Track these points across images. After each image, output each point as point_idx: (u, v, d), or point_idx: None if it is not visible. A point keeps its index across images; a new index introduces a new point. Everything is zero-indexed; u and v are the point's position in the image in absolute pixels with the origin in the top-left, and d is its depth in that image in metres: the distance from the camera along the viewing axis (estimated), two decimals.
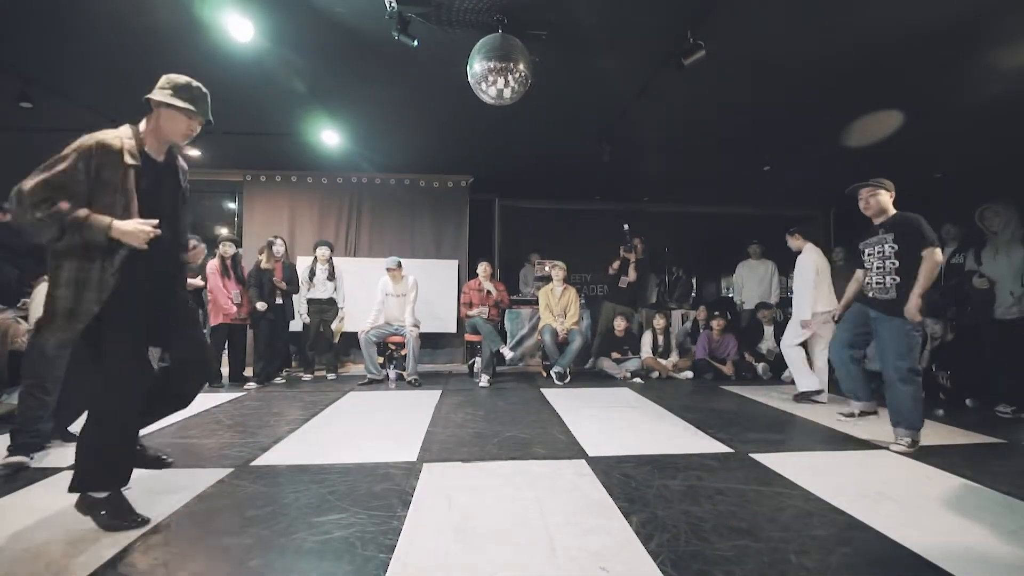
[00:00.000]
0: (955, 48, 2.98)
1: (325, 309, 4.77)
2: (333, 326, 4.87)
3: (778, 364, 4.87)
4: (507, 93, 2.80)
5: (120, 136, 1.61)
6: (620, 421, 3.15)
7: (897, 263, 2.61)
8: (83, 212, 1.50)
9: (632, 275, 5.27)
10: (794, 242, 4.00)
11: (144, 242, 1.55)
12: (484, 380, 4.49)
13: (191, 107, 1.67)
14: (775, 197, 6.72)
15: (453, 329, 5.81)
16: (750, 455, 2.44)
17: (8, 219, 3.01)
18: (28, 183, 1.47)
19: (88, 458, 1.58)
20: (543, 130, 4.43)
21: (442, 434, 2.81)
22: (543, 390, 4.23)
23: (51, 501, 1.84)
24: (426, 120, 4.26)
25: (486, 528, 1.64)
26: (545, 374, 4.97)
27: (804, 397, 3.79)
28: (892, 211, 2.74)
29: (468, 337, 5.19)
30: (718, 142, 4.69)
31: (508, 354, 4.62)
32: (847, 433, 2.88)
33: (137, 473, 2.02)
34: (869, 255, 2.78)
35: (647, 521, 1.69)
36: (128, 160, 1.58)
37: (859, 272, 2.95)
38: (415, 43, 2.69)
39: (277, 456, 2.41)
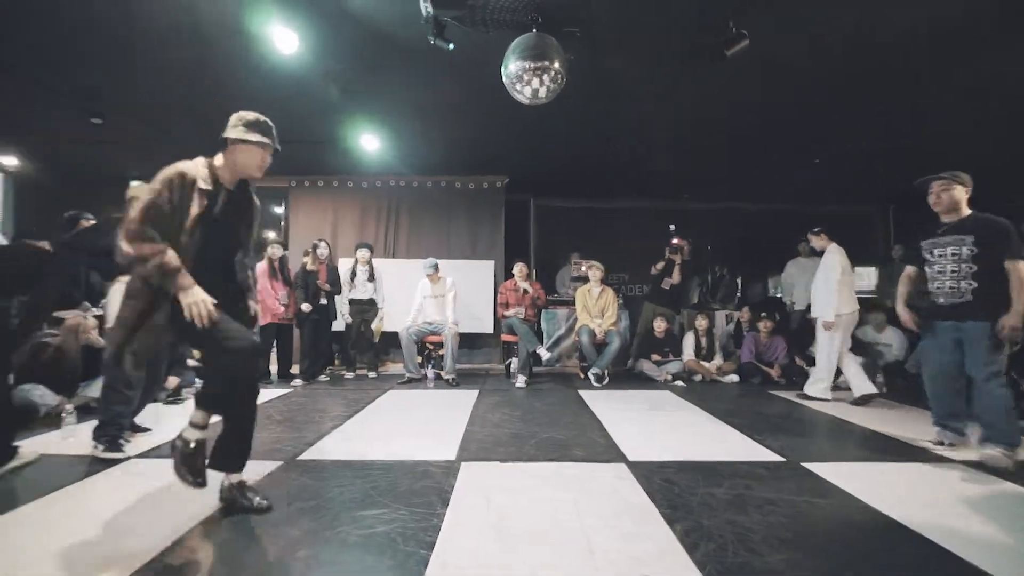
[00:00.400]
0: None
1: (366, 309, 4.91)
2: (373, 326, 5.00)
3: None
4: (542, 92, 2.79)
5: (196, 165, 1.73)
6: (661, 425, 3.07)
7: (975, 267, 2.40)
8: (174, 264, 1.60)
9: (676, 278, 5.12)
10: (819, 242, 3.96)
11: (195, 318, 1.61)
12: (521, 381, 4.49)
13: (265, 139, 1.79)
14: (827, 192, 6.36)
15: (490, 329, 5.84)
16: (802, 464, 2.31)
17: (91, 223, 3.26)
18: (130, 221, 1.62)
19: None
20: (578, 128, 4.39)
21: (480, 434, 2.82)
22: (580, 392, 4.18)
23: (116, 488, 1.98)
24: (462, 122, 4.31)
25: (524, 528, 1.63)
26: (582, 375, 4.91)
27: (863, 400, 3.67)
28: (966, 210, 2.50)
29: (504, 337, 5.20)
30: (764, 135, 4.49)
31: (545, 355, 4.59)
32: (912, 443, 2.68)
33: None
34: (940, 256, 2.54)
35: (691, 529, 1.63)
36: (201, 185, 1.70)
37: (911, 269, 2.74)
38: (450, 46, 2.72)
39: (322, 451, 2.49)
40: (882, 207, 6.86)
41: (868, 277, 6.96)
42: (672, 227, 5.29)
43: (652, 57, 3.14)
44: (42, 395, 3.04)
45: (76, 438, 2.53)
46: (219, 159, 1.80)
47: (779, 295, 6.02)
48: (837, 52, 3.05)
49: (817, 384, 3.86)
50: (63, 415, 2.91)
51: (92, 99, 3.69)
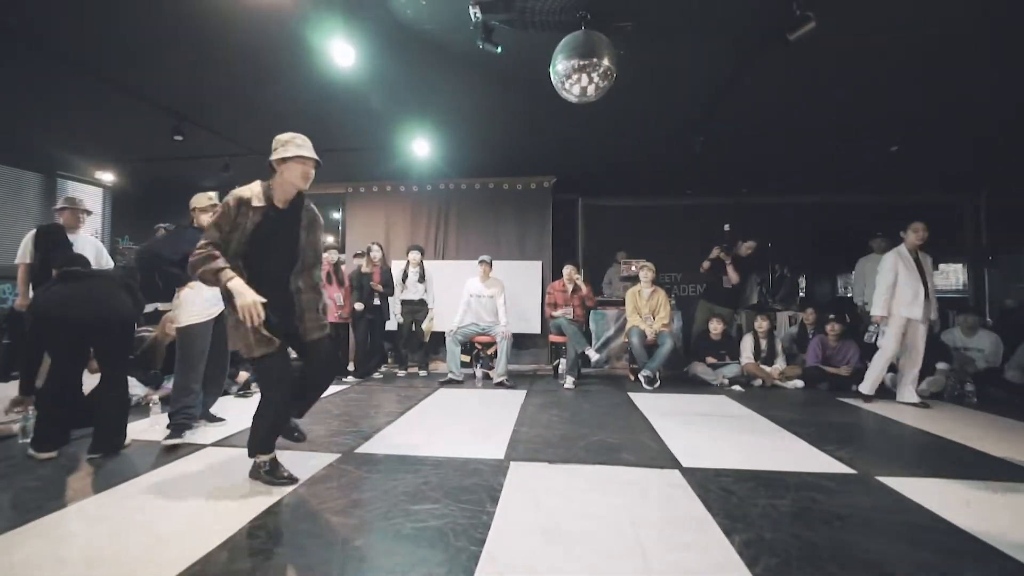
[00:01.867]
0: None
1: (417, 309, 5.05)
2: (424, 326, 5.14)
3: None
4: (591, 90, 2.75)
5: (251, 189, 1.99)
6: (718, 431, 2.94)
7: None
8: (220, 266, 1.87)
9: (734, 276, 4.88)
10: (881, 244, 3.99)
11: (246, 317, 1.83)
12: (569, 382, 4.45)
13: (301, 152, 1.99)
14: (905, 182, 5.82)
15: (537, 330, 5.84)
16: (877, 478, 2.14)
17: (168, 233, 3.59)
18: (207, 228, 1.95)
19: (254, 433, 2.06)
20: (628, 125, 4.29)
21: (528, 434, 2.83)
22: (631, 394, 4.08)
23: (194, 474, 2.16)
24: (510, 124, 4.33)
25: (574, 532, 1.62)
26: (633, 378, 4.80)
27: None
28: None
29: (552, 338, 5.18)
30: (830, 124, 4.18)
31: (594, 356, 4.52)
32: (1008, 460, 2.40)
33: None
34: None
35: (751, 542, 1.55)
36: (255, 203, 1.96)
37: None
38: (499, 50, 2.74)
39: (377, 445, 2.60)
40: (972, 195, 6.17)
41: (955, 275, 6.32)
42: (727, 227, 5.02)
43: (709, 47, 3.01)
44: (132, 386, 3.37)
45: (161, 426, 2.78)
46: (272, 182, 2.03)
47: (849, 295, 5.59)
48: (915, 24, 2.78)
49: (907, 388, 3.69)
50: (150, 405, 3.21)
51: (176, 117, 4.06)
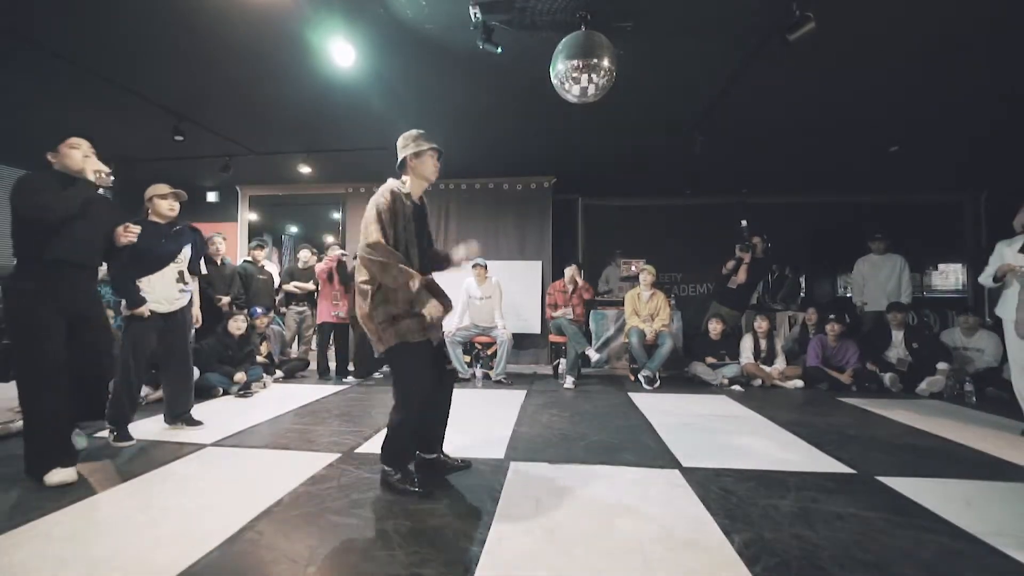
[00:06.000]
0: None
1: None
2: None
3: (909, 375, 4.22)
4: (591, 90, 2.75)
5: (398, 186, 2.01)
6: (717, 431, 2.94)
7: None
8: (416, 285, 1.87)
9: (742, 277, 4.88)
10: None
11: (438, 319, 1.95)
12: (569, 382, 4.45)
13: (433, 145, 2.05)
14: (905, 182, 5.82)
15: (537, 330, 5.84)
16: (877, 478, 2.14)
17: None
18: (372, 238, 1.87)
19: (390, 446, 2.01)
20: (629, 124, 4.29)
21: (528, 434, 2.83)
22: (631, 394, 4.09)
23: (193, 474, 2.16)
24: (510, 123, 4.33)
25: (575, 532, 1.62)
26: (633, 378, 4.80)
27: None
28: None
29: (552, 338, 5.18)
30: (832, 123, 4.17)
31: (594, 356, 4.52)
32: (1005, 460, 2.40)
33: (271, 455, 2.31)
34: None
35: (751, 542, 1.55)
36: (409, 201, 2.01)
37: None
38: (499, 50, 2.75)
39: (377, 445, 2.58)
40: (972, 195, 6.16)
41: (955, 275, 6.32)
42: (744, 223, 5.00)
43: (709, 47, 3.01)
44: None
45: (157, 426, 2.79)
46: (404, 179, 2.05)
47: (848, 295, 5.59)
48: (914, 24, 2.78)
49: None
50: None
51: (176, 117, 4.06)
